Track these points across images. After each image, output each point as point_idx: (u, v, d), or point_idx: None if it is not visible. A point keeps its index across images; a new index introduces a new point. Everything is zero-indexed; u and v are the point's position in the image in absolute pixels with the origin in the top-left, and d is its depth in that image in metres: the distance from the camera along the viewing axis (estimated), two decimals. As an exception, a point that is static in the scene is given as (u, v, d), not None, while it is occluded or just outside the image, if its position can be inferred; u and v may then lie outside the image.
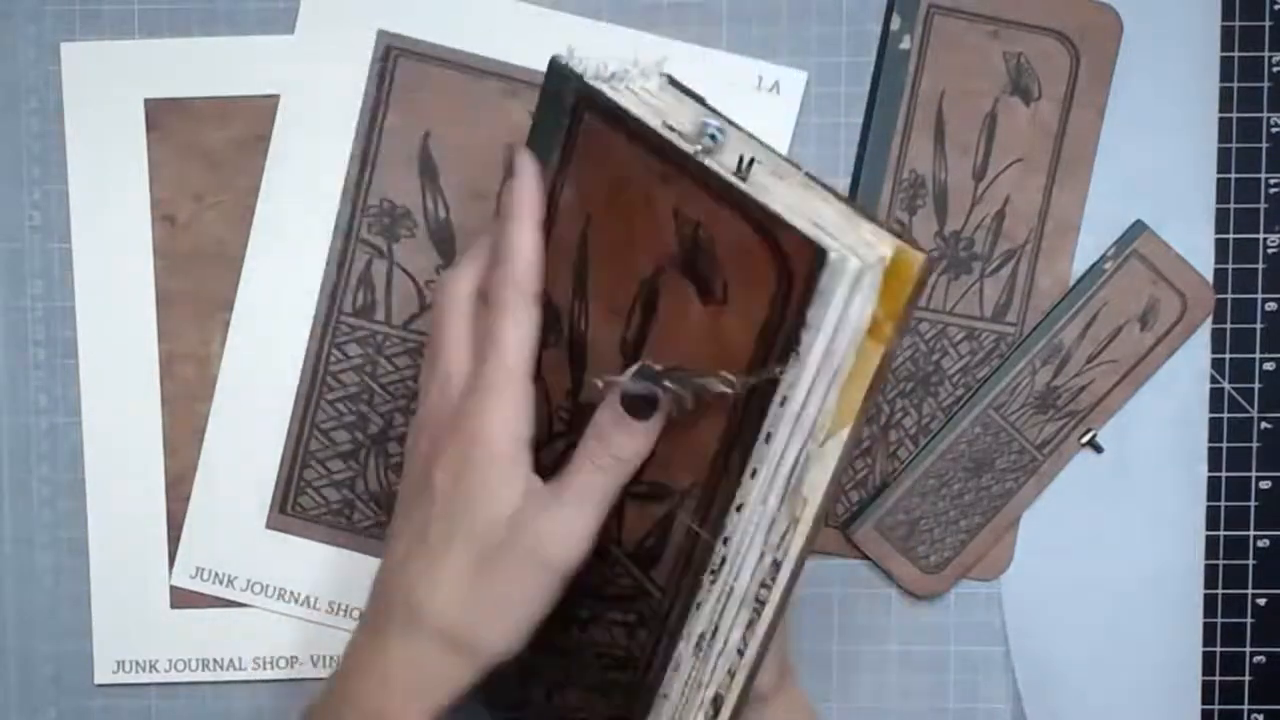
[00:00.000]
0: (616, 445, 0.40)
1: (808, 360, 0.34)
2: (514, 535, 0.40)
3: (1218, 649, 0.54)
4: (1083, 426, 0.53)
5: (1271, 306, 0.53)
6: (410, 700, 0.40)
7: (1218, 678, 0.54)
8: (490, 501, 0.40)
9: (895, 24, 0.51)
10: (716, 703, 0.40)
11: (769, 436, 0.36)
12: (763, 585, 0.39)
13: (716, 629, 0.40)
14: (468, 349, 0.43)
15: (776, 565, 0.38)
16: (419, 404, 0.44)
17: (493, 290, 0.42)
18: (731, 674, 0.40)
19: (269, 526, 0.53)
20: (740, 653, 0.40)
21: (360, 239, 0.52)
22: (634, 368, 0.38)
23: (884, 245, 0.34)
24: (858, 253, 0.33)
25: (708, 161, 0.36)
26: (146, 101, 0.51)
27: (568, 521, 0.40)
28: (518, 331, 0.41)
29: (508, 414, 0.41)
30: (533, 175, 0.42)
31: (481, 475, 0.40)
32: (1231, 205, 0.53)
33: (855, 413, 0.36)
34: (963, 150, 0.52)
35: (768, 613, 0.39)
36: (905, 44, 0.51)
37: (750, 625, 0.39)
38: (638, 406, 0.39)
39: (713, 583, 0.39)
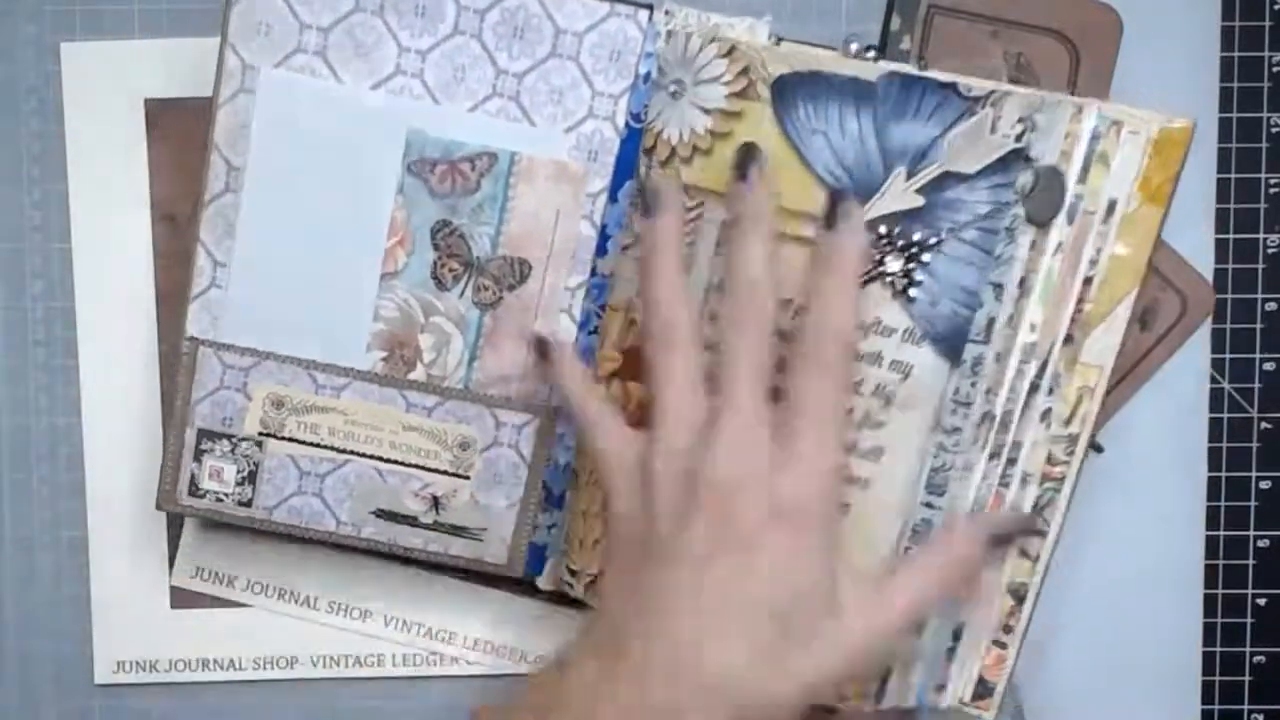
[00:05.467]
0: (968, 568, 0.41)
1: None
2: (830, 624, 0.39)
3: (1218, 649, 0.54)
4: (1083, 426, 0.53)
5: (1271, 306, 0.53)
6: None
7: (1218, 678, 0.54)
8: (814, 585, 0.39)
9: (895, 24, 0.51)
10: None
11: None
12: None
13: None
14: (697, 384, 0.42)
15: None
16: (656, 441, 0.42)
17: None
18: None
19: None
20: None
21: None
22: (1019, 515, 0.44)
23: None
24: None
25: None
26: (146, 101, 0.51)
27: (888, 626, 0.40)
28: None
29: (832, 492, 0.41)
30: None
31: (808, 556, 0.39)
32: (1231, 205, 0.53)
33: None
34: (963, 150, 0.52)
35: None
36: (905, 44, 0.51)
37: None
38: (1004, 540, 0.42)
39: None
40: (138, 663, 0.53)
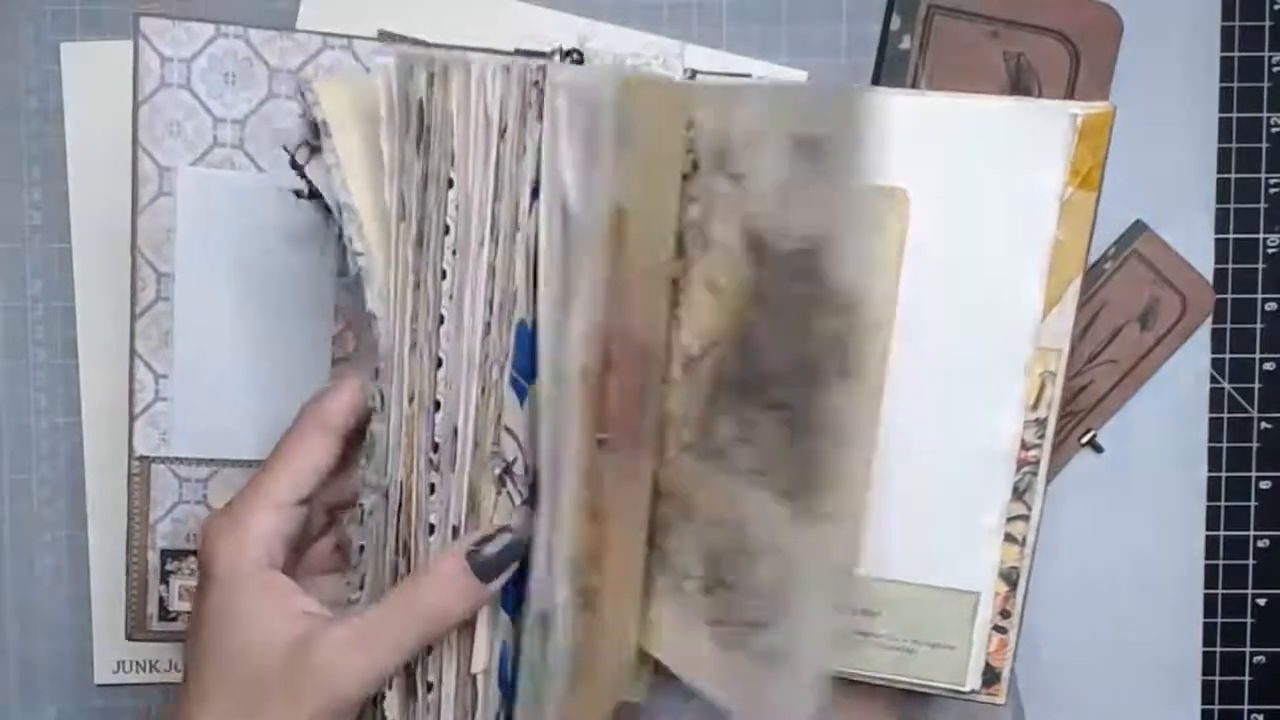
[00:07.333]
0: (452, 598, 0.38)
1: None
2: (294, 670, 0.38)
3: (1218, 649, 0.54)
4: (1083, 426, 0.53)
5: (1271, 306, 0.53)
6: None
7: (1218, 678, 0.54)
8: (245, 631, 0.39)
9: (895, 24, 0.51)
10: None
11: None
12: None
13: None
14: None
15: None
16: None
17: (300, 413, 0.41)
18: None
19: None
20: None
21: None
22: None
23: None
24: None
25: None
26: (146, 101, 0.52)
27: (365, 667, 0.38)
28: (302, 456, 0.40)
29: (253, 537, 0.39)
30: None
31: (227, 603, 0.39)
32: (1231, 205, 0.53)
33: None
34: (963, 150, 0.52)
35: None
36: (905, 44, 0.51)
37: None
38: (484, 560, 0.38)
39: None
40: (138, 663, 0.53)
